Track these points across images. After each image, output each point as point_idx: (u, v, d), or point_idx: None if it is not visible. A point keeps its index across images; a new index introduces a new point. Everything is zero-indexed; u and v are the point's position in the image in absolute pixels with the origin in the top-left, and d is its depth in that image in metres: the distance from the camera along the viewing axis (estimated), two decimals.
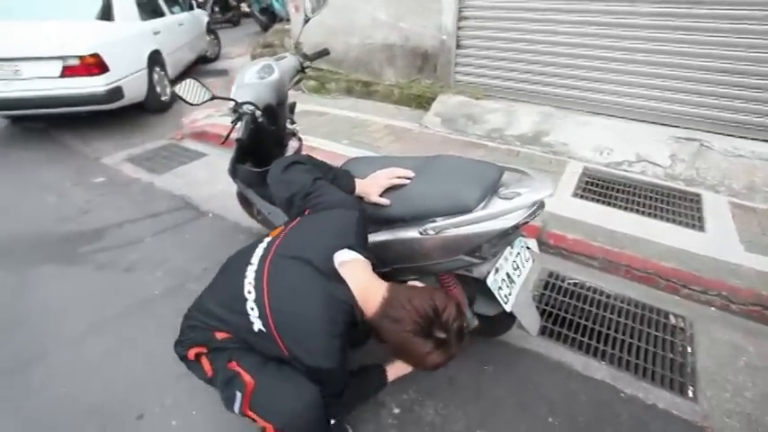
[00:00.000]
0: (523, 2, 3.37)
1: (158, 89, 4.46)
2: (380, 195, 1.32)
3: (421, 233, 1.23)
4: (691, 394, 1.56)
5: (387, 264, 1.43)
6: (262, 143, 1.81)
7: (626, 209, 2.46)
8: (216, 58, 7.07)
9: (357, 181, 1.34)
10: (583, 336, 1.80)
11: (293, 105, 2.03)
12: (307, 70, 1.90)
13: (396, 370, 1.28)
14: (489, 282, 1.27)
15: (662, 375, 1.63)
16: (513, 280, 1.37)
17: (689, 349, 1.75)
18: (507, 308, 1.32)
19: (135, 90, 4.03)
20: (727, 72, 2.89)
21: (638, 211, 2.43)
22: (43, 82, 3.53)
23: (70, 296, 2.03)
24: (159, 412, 1.48)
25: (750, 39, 2.76)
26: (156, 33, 4.59)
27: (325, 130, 3.51)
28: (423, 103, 3.88)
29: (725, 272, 1.99)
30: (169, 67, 4.80)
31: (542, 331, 1.80)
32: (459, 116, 3.51)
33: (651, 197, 2.57)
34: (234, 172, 1.86)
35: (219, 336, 1.12)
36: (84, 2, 4.14)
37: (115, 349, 1.73)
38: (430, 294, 0.99)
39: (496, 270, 1.31)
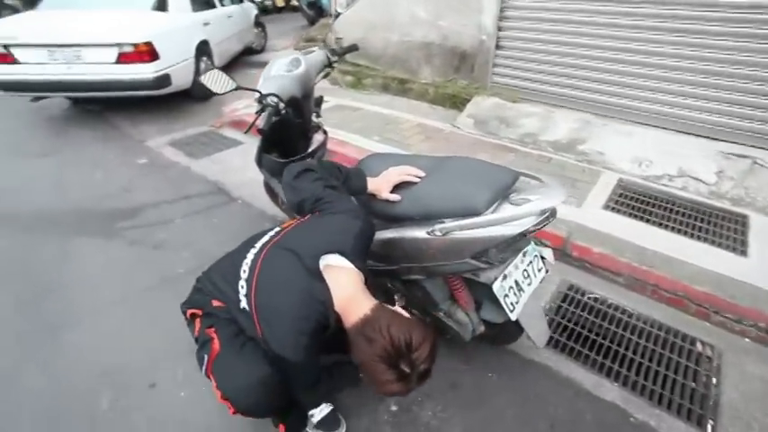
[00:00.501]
0: (568, 3, 3.24)
1: None
2: (391, 192, 1.33)
3: (428, 233, 1.22)
4: (710, 429, 1.46)
5: (394, 262, 1.44)
6: (287, 134, 1.85)
7: (660, 225, 2.32)
8: (262, 50, 7.28)
9: (369, 179, 1.36)
10: (597, 354, 1.72)
11: (320, 99, 2.06)
12: (334, 65, 1.93)
13: None
14: (495, 288, 1.25)
15: (679, 404, 1.53)
16: (521, 288, 1.33)
17: (714, 380, 1.64)
18: (512, 316, 1.29)
19: (182, 78, 4.23)
20: None
21: (673, 229, 2.29)
22: (100, 67, 3.78)
23: (103, 268, 2.18)
24: (170, 383, 1.56)
25: None
26: (205, 24, 4.80)
27: (358, 126, 3.54)
28: (457, 103, 3.83)
29: (765, 301, 1.84)
30: (216, 57, 4.99)
31: (554, 345, 1.75)
32: (493, 118, 3.44)
33: (690, 215, 2.41)
34: (260, 161, 1.92)
35: (215, 303, 1.19)
36: None
37: (137, 321, 1.84)
38: (409, 328, 0.96)
39: (504, 277, 1.28)
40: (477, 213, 1.15)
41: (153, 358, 1.65)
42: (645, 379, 1.62)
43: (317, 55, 1.83)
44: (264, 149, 1.87)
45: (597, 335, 1.81)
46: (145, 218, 2.59)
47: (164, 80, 3.93)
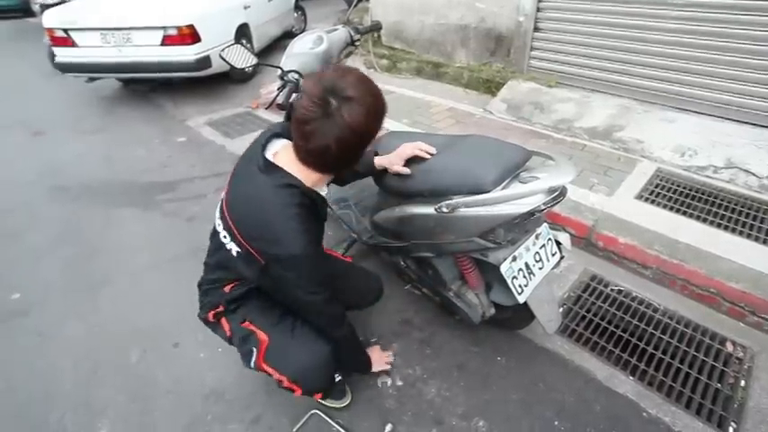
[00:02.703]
0: None
1: None
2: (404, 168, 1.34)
3: (435, 210, 1.22)
4: (731, 431, 1.39)
5: (405, 238, 1.46)
6: None
7: (699, 218, 2.17)
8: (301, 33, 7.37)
9: (379, 156, 1.39)
10: (615, 346, 1.67)
11: None
12: (357, 43, 1.93)
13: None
14: (503, 269, 1.23)
15: (699, 404, 1.46)
16: (532, 272, 1.31)
17: (742, 383, 1.54)
18: (520, 299, 1.27)
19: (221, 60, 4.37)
20: None
21: (712, 223, 2.14)
22: (148, 49, 3.98)
23: (140, 236, 2.34)
24: (192, 344, 1.67)
25: None
26: (246, 8, 4.91)
27: (389, 109, 3.53)
28: (492, 87, 3.72)
29: None
30: (255, 40, 5.11)
31: (569, 334, 1.71)
32: (527, 103, 3.32)
33: (735, 209, 2.24)
34: None
35: (227, 289, 1.20)
36: None
37: (167, 285, 1.97)
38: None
39: (514, 258, 1.26)
40: (484, 191, 1.13)
41: (178, 320, 1.77)
42: (664, 375, 1.55)
43: (340, 33, 1.84)
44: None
45: (617, 327, 1.75)
46: (180, 192, 2.75)
47: (204, 62, 4.08)
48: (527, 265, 1.29)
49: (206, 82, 4.46)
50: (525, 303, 1.30)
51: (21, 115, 4.26)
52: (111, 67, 4.15)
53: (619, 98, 3.20)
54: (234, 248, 1.07)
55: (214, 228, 1.16)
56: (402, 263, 1.66)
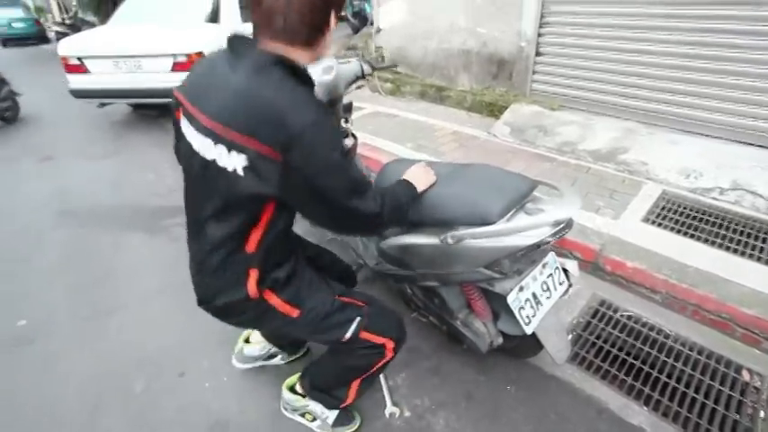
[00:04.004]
0: (610, 7, 3.12)
1: None
2: None
3: (441, 240, 1.22)
4: None
5: (411, 267, 1.45)
6: None
7: (707, 241, 2.16)
8: None
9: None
10: (626, 374, 1.63)
11: (350, 105, 2.11)
12: (369, 77, 1.94)
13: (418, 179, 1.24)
14: (510, 300, 1.22)
15: None
16: (539, 301, 1.30)
17: (762, 414, 1.50)
18: (527, 330, 1.26)
19: None
20: None
21: (721, 246, 2.12)
22: (158, 75, 4.10)
23: (148, 260, 2.35)
24: (197, 373, 1.66)
25: None
26: None
27: (393, 133, 3.58)
28: (495, 111, 3.77)
29: None
30: None
31: (580, 362, 1.68)
32: (530, 126, 3.35)
33: (743, 232, 2.23)
34: None
35: (251, 247, 0.97)
36: (198, 8, 4.71)
37: (174, 312, 1.96)
38: None
39: (521, 288, 1.25)
40: (490, 222, 1.14)
41: (184, 348, 1.76)
42: (679, 405, 1.51)
43: (353, 66, 1.88)
44: None
45: (628, 354, 1.72)
46: None
47: None
48: (534, 296, 1.28)
49: None
50: (533, 333, 1.29)
51: (31, 140, 4.36)
52: (123, 93, 4.28)
53: (622, 120, 3.23)
54: (238, 164, 0.85)
55: (195, 172, 0.94)
56: (408, 290, 1.66)
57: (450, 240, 1.19)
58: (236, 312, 1.09)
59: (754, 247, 2.12)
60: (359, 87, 2.05)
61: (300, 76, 0.89)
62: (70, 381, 1.66)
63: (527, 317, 1.26)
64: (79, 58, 4.20)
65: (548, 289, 1.32)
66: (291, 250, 1.13)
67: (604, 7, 3.15)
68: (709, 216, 2.36)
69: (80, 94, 4.34)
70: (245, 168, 0.85)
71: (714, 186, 2.57)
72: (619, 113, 3.29)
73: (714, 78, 2.85)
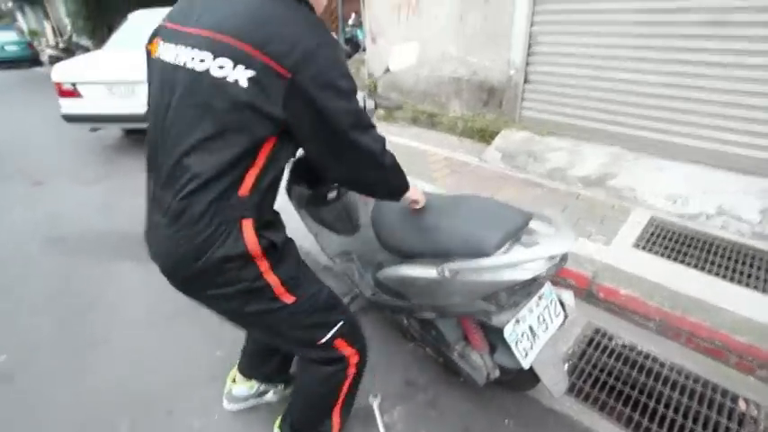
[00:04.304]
0: (594, 38, 3.23)
1: None
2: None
3: (437, 273, 1.22)
4: None
5: (407, 298, 1.44)
6: (311, 168, 1.92)
7: (696, 267, 2.19)
8: None
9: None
10: (624, 405, 1.62)
11: None
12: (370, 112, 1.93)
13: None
14: (506, 333, 1.22)
15: None
16: (536, 334, 1.29)
17: None
18: (524, 364, 1.25)
19: None
20: None
21: (710, 272, 2.15)
22: None
23: (138, 291, 2.30)
24: (186, 411, 1.60)
25: None
26: None
27: None
28: (486, 136, 3.84)
29: None
30: None
31: (577, 393, 1.66)
32: (521, 152, 3.42)
33: (731, 257, 2.27)
34: (289, 192, 2.00)
35: (244, 190, 0.85)
36: None
37: (163, 345, 1.92)
38: None
39: (517, 321, 1.25)
40: (486, 255, 1.14)
41: (173, 384, 1.70)
42: None
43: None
44: (294, 181, 1.95)
45: (624, 384, 1.71)
46: None
47: None
48: (531, 329, 1.28)
49: None
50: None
51: (22, 164, 4.31)
52: (116, 118, 4.28)
53: (609, 146, 3.31)
54: (241, 76, 0.78)
55: (178, 93, 0.84)
56: (405, 321, 1.64)
57: (447, 273, 1.19)
58: (223, 281, 0.90)
59: (741, 273, 2.15)
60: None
61: (308, 5, 0.90)
62: (51, 423, 1.59)
63: (524, 350, 1.25)
64: (73, 84, 4.22)
65: (544, 321, 1.32)
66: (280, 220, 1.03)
67: (588, 38, 3.27)
68: (698, 241, 2.40)
69: (72, 118, 4.34)
70: (249, 79, 0.78)
71: (700, 212, 2.62)
72: (605, 139, 3.37)
73: (695, 107, 2.95)
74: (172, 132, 0.86)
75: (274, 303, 0.97)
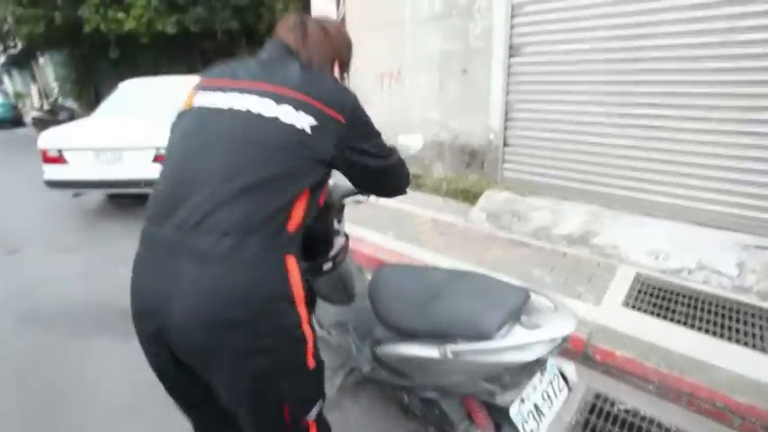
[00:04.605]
0: (568, 106, 3.49)
1: None
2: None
3: (440, 354, 1.21)
4: None
5: (409, 378, 1.41)
6: (308, 239, 1.93)
7: (686, 324, 2.23)
8: None
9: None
10: None
11: (342, 207, 2.17)
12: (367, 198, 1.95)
13: None
14: (512, 414, 1.20)
15: None
16: (542, 412, 1.27)
17: None
18: None
19: None
20: None
21: (700, 329, 2.19)
22: (138, 166, 4.15)
23: (118, 370, 2.17)
24: None
25: None
26: None
27: (374, 221, 3.66)
28: (470, 197, 3.97)
29: None
30: None
31: None
32: (505, 212, 3.53)
33: (717, 312, 2.32)
34: None
35: (292, 225, 0.89)
36: (178, 102, 4.92)
37: None
38: None
39: (522, 400, 1.23)
40: (488, 336, 1.15)
41: None
42: None
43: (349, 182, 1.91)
44: None
45: None
46: None
47: None
48: (536, 406, 1.26)
49: None
50: None
51: None
52: (101, 184, 4.29)
53: (588, 204, 3.45)
54: (305, 122, 0.89)
55: (234, 133, 0.90)
56: (406, 398, 1.59)
57: (449, 355, 1.18)
58: (266, 329, 0.85)
59: (729, 328, 2.19)
60: (357, 202, 2.06)
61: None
62: None
63: (531, 430, 1.22)
64: (59, 150, 4.24)
65: (549, 398, 1.30)
66: None
67: (559, 105, 3.53)
68: (683, 297, 2.46)
69: (56, 184, 4.31)
70: (311, 125, 0.90)
71: (682, 267, 2.71)
72: (584, 198, 3.53)
73: (664, 166, 3.14)
74: (221, 171, 0.86)
75: (302, 366, 0.93)
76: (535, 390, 1.27)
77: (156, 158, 4.14)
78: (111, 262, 3.40)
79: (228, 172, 0.86)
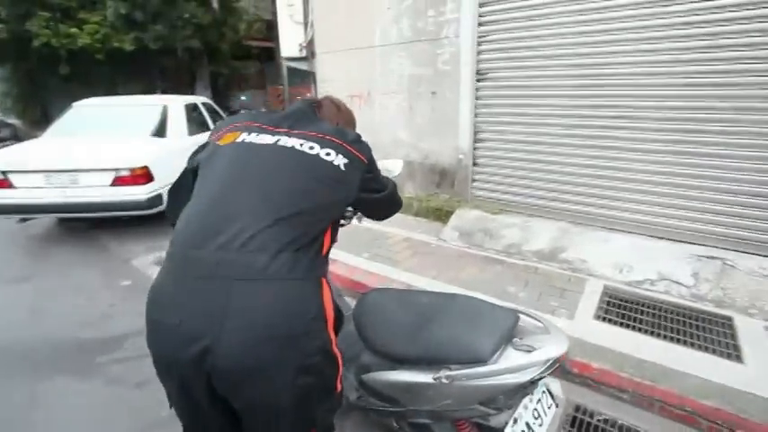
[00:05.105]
0: (532, 128, 3.66)
1: None
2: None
3: (434, 379, 1.20)
4: None
5: (401, 404, 1.39)
6: None
7: (653, 334, 2.34)
8: None
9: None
10: None
11: None
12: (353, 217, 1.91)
13: None
14: None
15: None
16: (533, 431, 1.28)
17: None
18: None
19: None
20: (749, 192, 2.90)
21: (665, 337, 2.31)
22: (96, 190, 3.93)
23: (78, 413, 1.99)
24: None
25: None
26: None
27: (348, 242, 3.62)
28: (441, 216, 4.04)
29: None
30: None
31: None
32: (477, 230, 3.61)
33: (679, 320, 2.46)
34: None
35: (324, 249, 1.06)
36: (143, 122, 4.75)
37: None
38: None
39: (515, 421, 1.24)
40: (482, 361, 1.16)
41: None
42: None
43: None
44: None
45: None
46: (127, 349, 2.45)
47: (156, 200, 4.06)
48: (528, 425, 1.27)
49: (155, 216, 4.36)
50: None
51: None
52: (53, 208, 4.00)
53: (556, 221, 3.60)
54: (341, 161, 1.07)
55: (282, 165, 1.04)
56: (395, 424, 1.55)
57: (444, 380, 1.17)
58: (310, 348, 0.92)
59: (691, 335, 2.33)
60: (340, 226, 2.01)
61: None
62: None
63: None
64: (3, 173, 3.93)
65: (539, 416, 1.32)
66: None
67: (523, 127, 3.69)
68: (648, 307, 2.60)
69: (1, 210, 3.98)
70: (345, 164, 1.07)
71: (644, 278, 2.87)
72: (551, 215, 3.67)
73: (623, 184, 3.34)
74: (266, 199, 0.96)
75: (333, 389, 1.02)
76: (526, 409, 1.28)
77: (116, 181, 3.93)
78: (66, 293, 3.16)
79: (274, 199, 0.96)
